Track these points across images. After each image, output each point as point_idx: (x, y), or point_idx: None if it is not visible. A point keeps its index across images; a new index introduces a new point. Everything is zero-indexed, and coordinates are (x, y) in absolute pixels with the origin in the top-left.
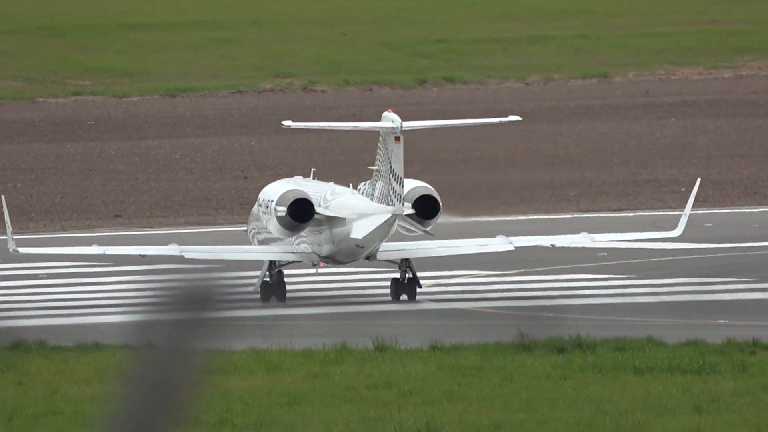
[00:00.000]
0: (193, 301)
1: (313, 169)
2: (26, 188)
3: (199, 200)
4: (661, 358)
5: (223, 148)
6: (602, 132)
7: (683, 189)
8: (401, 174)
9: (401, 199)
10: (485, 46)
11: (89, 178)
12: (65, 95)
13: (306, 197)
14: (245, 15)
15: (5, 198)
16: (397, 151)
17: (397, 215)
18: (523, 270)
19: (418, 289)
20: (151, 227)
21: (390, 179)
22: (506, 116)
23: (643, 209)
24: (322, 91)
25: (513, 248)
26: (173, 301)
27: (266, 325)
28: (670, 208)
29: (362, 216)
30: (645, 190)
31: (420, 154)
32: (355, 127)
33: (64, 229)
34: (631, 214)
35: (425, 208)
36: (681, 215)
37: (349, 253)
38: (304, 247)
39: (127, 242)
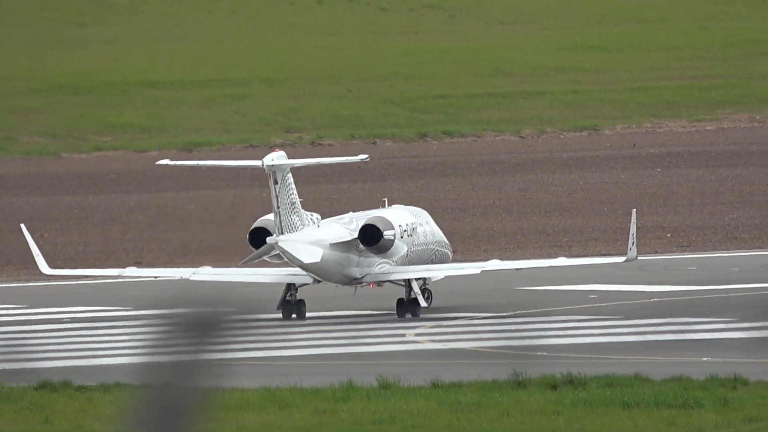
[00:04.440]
0: (198, 328)
1: (384, 199)
2: (52, 237)
3: (214, 248)
4: (647, 393)
5: (236, 199)
6: (592, 182)
7: (668, 235)
8: (276, 208)
9: (280, 230)
10: (481, 101)
11: (111, 228)
12: (88, 150)
13: (264, 227)
14: (256, 73)
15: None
16: (274, 187)
17: (271, 244)
18: (518, 312)
19: (423, 309)
20: None
21: (275, 211)
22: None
23: None
24: (330, 144)
25: (479, 272)
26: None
27: (276, 366)
28: (656, 252)
29: None
30: None
31: (423, 204)
32: (223, 165)
33: (86, 276)
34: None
35: (372, 236)
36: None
37: (320, 277)
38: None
39: (144, 286)
